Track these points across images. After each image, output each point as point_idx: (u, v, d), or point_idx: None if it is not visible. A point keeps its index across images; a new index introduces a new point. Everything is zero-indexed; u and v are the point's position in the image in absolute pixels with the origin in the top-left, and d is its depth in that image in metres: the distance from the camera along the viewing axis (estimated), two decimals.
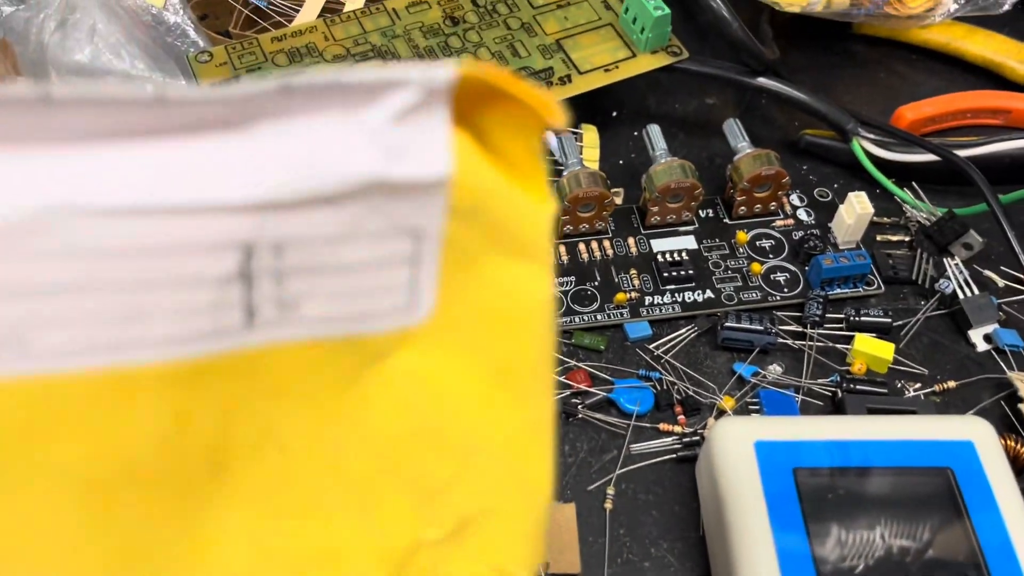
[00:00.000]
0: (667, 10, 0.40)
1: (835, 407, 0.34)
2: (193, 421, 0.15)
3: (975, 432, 0.30)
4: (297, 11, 0.41)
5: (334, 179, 0.14)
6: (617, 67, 0.40)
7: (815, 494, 0.29)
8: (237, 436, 0.16)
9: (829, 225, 0.40)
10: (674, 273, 0.38)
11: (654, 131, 0.40)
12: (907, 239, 0.40)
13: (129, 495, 0.16)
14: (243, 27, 0.42)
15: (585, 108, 0.44)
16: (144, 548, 0.16)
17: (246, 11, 0.41)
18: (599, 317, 0.37)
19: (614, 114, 0.45)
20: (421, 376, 0.17)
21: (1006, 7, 0.46)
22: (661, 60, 0.41)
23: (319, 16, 0.41)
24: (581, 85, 0.40)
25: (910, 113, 0.44)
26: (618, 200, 0.41)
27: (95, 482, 0.15)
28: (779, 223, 0.40)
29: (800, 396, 0.35)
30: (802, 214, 0.41)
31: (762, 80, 0.42)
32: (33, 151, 0.13)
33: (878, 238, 0.40)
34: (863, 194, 0.38)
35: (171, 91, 0.12)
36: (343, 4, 0.42)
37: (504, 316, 0.17)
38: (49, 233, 0.13)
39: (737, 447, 0.30)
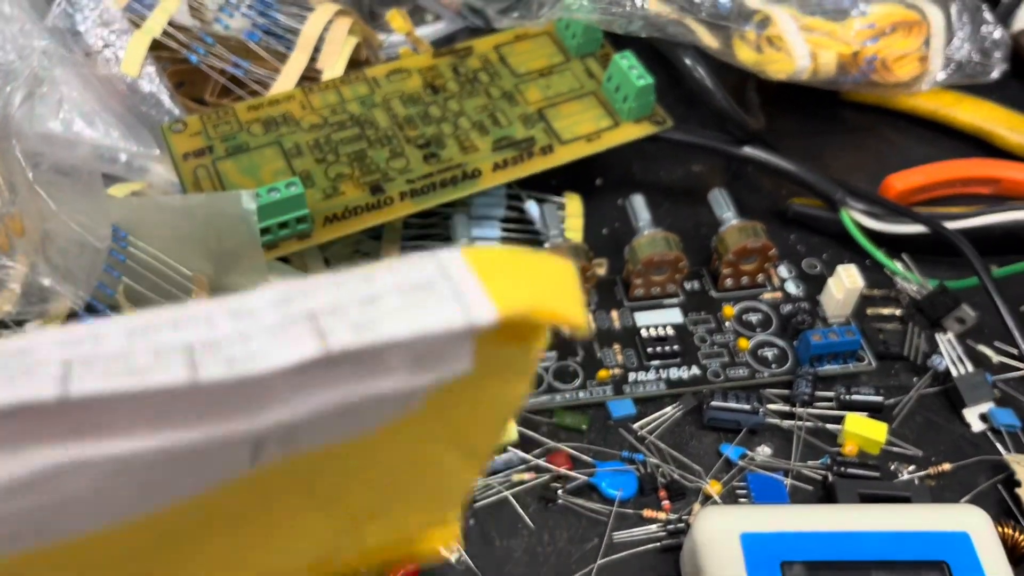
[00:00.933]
0: (650, 80, 0.39)
1: (826, 492, 0.33)
2: (178, 530, 0.17)
3: (971, 522, 0.29)
4: (275, 79, 0.41)
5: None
6: (600, 136, 0.40)
7: None
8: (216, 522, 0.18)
9: (818, 298, 0.39)
10: (659, 349, 0.36)
11: (637, 202, 0.39)
12: (898, 312, 0.39)
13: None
14: (220, 95, 0.41)
15: (569, 176, 0.43)
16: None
17: (223, 79, 0.40)
18: (581, 395, 0.35)
19: (598, 182, 0.44)
20: (391, 448, 0.18)
21: (994, 75, 0.46)
22: (644, 129, 0.40)
23: (297, 85, 0.41)
24: (563, 155, 0.39)
25: (899, 182, 0.43)
26: (601, 271, 0.40)
27: None
28: (767, 296, 0.39)
29: (789, 480, 0.33)
30: (790, 286, 0.39)
31: (747, 150, 0.41)
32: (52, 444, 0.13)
33: (868, 311, 0.39)
34: (852, 267, 0.37)
35: (203, 373, 0.12)
36: (321, 72, 0.41)
37: (482, 411, 0.18)
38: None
39: (722, 540, 0.28)
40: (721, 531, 0.28)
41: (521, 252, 0.15)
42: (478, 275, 0.14)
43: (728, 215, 0.39)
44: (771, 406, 0.35)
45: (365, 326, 0.13)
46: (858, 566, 0.28)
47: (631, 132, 0.40)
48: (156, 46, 0.40)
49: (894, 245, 0.41)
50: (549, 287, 0.15)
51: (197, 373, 0.12)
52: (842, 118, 0.49)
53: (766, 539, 0.28)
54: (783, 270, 0.40)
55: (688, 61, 0.39)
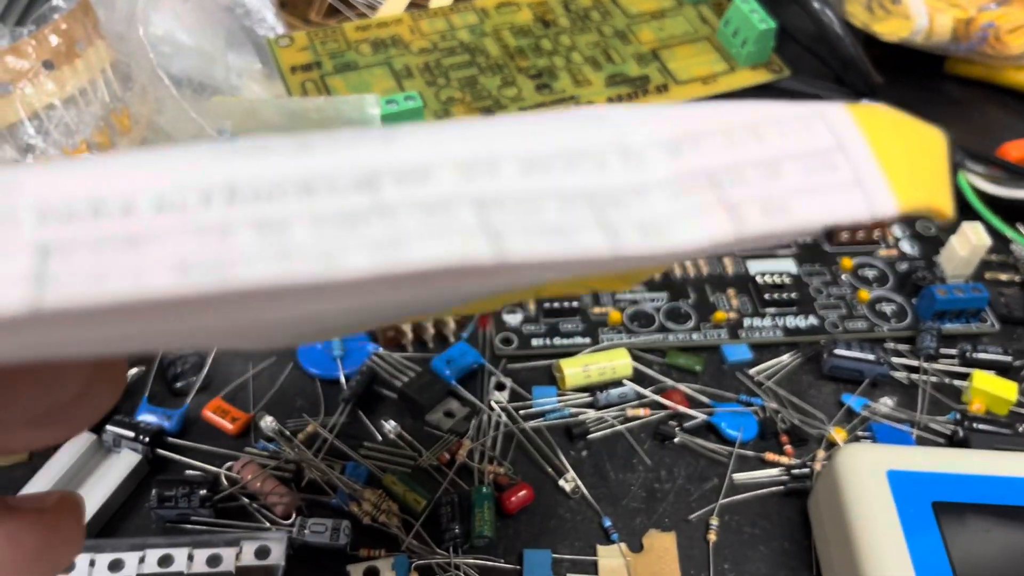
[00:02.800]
0: (772, 23, 0.38)
1: (955, 447, 0.31)
2: None
3: None
4: (382, 3, 0.39)
5: None
6: (716, 80, 0.38)
7: (959, 533, 0.25)
8: None
9: (933, 259, 0.37)
10: (775, 296, 0.35)
11: None
12: (1017, 279, 0.37)
13: None
14: (324, 16, 0.40)
15: None
16: None
17: (328, 0, 0.39)
18: (695, 336, 0.34)
19: None
20: None
21: None
22: (762, 76, 0.39)
23: (405, 10, 0.39)
24: (679, 94, 0.38)
25: (1015, 150, 0.41)
26: None
27: None
28: (882, 253, 0.37)
29: (916, 432, 0.32)
30: (905, 245, 0.38)
31: (866, 103, 0.40)
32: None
33: (986, 276, 0.37)
34: (978, 224, 0.36)
35: (623, 243, 0.11)
36: (428, 0, 0.40)
37: None
38: None
39: (868, 476, 0.27)
40: (867, 468, 0.27)
41: (901, 120, 0.14)
42: (874, 153, 0.13)
43: None
44: (895, 359, 0.34)
45: (776, 209, 0.12)
46: (1014, 512, 0.26)
47: (748, 78, 0.39)
48: None
49: (1010, 213, 0.39)
50: (931, 172, 0.13)
51: (618, 242, 0.11)
52: (945, 91, 0.48)
53: (916, 478, 0.26)
54: (896, 230, 0.39)
55: (816, 4, 0.38)
